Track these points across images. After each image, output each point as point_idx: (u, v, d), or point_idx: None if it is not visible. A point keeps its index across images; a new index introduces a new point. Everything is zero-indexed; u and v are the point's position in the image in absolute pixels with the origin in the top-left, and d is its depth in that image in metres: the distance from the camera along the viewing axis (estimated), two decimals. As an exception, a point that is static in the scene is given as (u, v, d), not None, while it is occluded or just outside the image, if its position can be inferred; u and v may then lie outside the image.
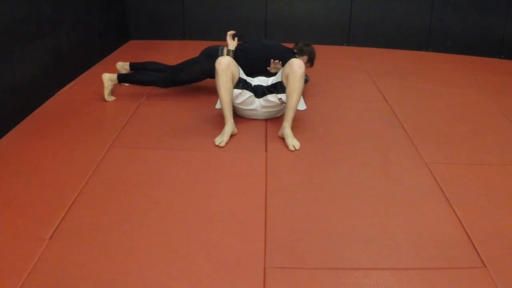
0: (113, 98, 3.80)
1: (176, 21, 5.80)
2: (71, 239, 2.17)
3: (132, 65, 4.15)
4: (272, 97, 3.33)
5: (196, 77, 3.86)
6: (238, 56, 3.63)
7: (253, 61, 3.63)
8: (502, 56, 5.60)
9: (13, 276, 1.92)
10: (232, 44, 3.70)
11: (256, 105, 3.42)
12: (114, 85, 3.81)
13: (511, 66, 5.36)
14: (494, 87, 4.51)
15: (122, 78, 3.82)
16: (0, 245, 2.11)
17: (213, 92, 4.00)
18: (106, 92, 3.76)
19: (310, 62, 3.99)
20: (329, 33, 5.85)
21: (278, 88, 3.28)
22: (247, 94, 3.33)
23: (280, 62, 3.50)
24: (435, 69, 5.10)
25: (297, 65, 3.11)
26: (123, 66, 4.13)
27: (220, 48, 3.79)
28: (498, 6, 5.48)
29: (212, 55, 3.70)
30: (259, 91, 3.38)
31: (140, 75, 3.89)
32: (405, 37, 5.80)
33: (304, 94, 4.08)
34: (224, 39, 3.74)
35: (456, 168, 2.93)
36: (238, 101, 3.34)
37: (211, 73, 3.73)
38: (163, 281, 1.94)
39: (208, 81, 4.24)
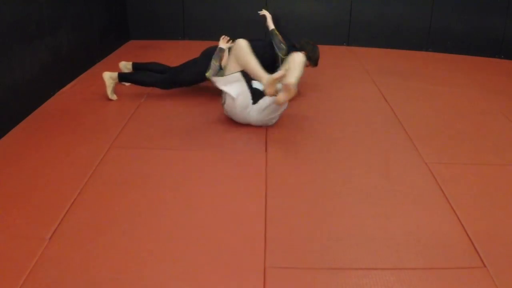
0: (115, 97, 3.80)
1: (176, 21, 5.80)
2: (71, 239, 2.17)
3: (134, 65, 4.14)
4: (268, 99, 3.20)
5: (195, 78, 3.85)
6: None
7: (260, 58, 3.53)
8: (502, 56, 5.60)
9: (13, 276, 1.92)
10: (225, 46, 3.60)
11: (250, 109, 3.28)
12: (116, 83, 3.80)
13: (511, 66, 5.36)
14: (494, 87, 4.51)
15: (122, 77, 3.81)
16: (0, 245, 2.11)
17: (213, 92, 4.01)
18: (109, 90, 3.76)
19: (313, 62, 3.98)
20: (329, 33, 5.85)
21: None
22: (247, 93, 3.26)
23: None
24: (435, 69, 5.09)
25: (298, 54, 3.43)
26: (125, 66, 4.12)
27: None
28: (498, 6, 5.48)
29: (211, 56, 3.69)
30: (257, 95, 3.27)
31: (141, 76, 3.89)
32: (405, 37, 5.80)
33: (304, 93, 4.08)
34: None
35: (456, 168, 2.93)
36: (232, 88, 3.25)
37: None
38: (163, 281, 1.94)
39: (208, 82, 4.24)
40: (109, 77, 3.75)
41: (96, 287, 1.90)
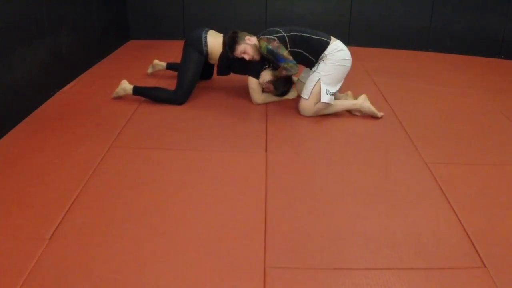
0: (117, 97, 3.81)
1: (176, 21, 5.80)
2: (71, 239, 2.17)
3: (169, 65, 4.27)
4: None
5: (198, 70, 3.74)
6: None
7: None
8: (502, 56, 5.60)
9: (13, 276, 1.92)
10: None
11: None
12: (126, 95, 3.77)
13: (511, 66, 5.36)
14: (494, 87, 4.51)
15: (137, 92, 3.73)
16: (0, 245, 2.11)
17: (212, 92, 4.01)
18: (115, 94, 3.76)
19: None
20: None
21: None
22: None
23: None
24: (435, 69, 5.09)
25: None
26: (159, 63, 4.28)
27: (203, 35, 3.71)
28: (498, 6, 5.48)
29: (194, 44, 3.70)
30: None
31: (154, 91, 3.77)
32: (405, 37, 5.79)
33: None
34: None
35: (456, 168, 2.93)
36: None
37: (203, 60, 3.73)
38: (163, 281, 1.94)
39: (208, 81, 4.24)
40: (123, 89, 3.72)
41: (96, 287, 1.90)
